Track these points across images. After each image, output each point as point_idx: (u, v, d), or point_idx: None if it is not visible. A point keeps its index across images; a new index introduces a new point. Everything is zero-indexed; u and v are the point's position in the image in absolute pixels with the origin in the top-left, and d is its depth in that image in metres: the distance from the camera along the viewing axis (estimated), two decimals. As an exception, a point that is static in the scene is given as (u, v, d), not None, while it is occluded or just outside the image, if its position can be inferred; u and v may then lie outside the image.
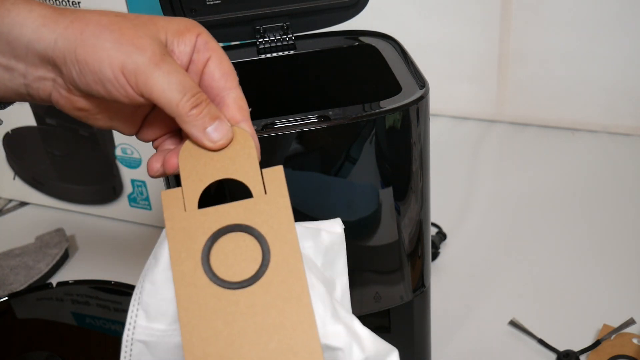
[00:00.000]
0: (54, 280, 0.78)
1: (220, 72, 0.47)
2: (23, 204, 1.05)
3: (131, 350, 0.45)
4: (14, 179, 1.03)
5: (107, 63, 0.43)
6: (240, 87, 0.48)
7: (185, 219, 0.44)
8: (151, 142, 0.51)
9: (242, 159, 0.45)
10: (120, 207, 0.98)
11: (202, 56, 0.47)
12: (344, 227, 0.50)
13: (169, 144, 0.50)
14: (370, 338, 0.46)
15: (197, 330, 0.42)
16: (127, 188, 0.95)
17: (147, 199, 0.95)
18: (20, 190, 1.03)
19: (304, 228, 0.48)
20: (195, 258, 0.43)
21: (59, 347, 0.68)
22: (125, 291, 0.74)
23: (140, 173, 0.93)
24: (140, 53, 0.43)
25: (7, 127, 0.98)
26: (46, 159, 0.98)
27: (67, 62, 0.44)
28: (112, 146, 0.92)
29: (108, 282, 0.75)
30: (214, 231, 0.44)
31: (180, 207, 0.44)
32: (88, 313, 0.73)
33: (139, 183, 0.94)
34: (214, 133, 0.45)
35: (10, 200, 1.06)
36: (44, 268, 0.90)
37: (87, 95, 0.46)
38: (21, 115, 0.96)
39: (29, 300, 0.75)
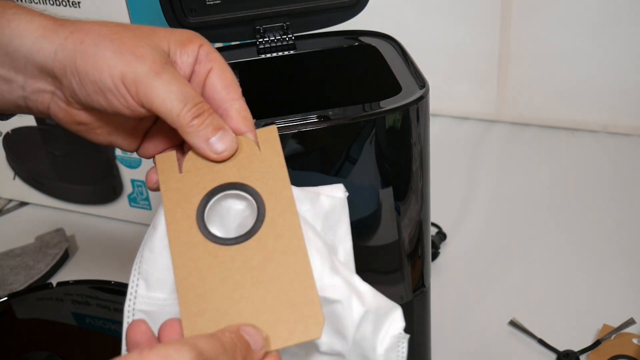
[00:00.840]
0: (54, 280, 0.78)
1: (223, 83, 0.46)
2: (23, 204, 1.05)
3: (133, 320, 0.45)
4: (14, 179, 1.03)
5: (107, 72, 0.43)
6: (243, 98, 0.47)
7: (180, 180, 0.44)
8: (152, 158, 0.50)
9: (248, 167, 0.45)
10: (120, 207, 0.98)
11: (204, 67, 0.46)
12: (347, 193, 0.49)
13: None
14: (371, 292, 0.45)
15: (193, 286, 0.41)
16: (127, 188, 0.95)
17: (147, 199, 0.95)
18: (20, 190, 1.03)
19: (302, 191, 0.47)
20: (190, 217, 0.43)
21: (59, 347, 0.68)
22: (125, 291, 0.73)
23: (140, 173, 0.93)
24: (140, 62, 0.43)
25: (7, 127, 0.98)
26: (46, 159, 0.98)
27: (67, 72, 0.44)
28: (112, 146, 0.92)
29: (108, 282, 0.75)
30: (209, 190, 0.43)
31: (175, 169, 0.44)
32: (88, 313, 0.73)
33: (139, 183, 0.94)
34: (218, 143, 0.44)
35: (10, 200, 1.06)
36: (44, 268, 0.90)
37: (87, 108, 0.46)
38: (21, 116, 0.95)
39: (29, 300, 0.75)
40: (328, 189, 0.49)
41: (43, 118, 0.94)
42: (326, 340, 0.44)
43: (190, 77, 0.46)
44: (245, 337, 0.38)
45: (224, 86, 0.46)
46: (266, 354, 0.39)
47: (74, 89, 0.44)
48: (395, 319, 0.45)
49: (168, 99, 0.43)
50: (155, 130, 0.49)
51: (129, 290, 0.45)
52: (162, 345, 0.35)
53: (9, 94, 0.47)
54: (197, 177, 0.44)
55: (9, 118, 0.51)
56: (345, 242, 0.49)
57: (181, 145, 0.49)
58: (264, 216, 0.43)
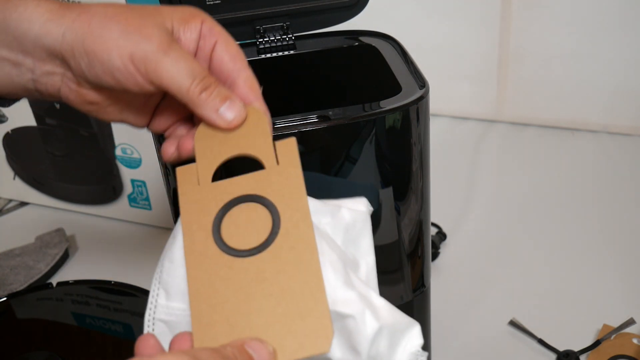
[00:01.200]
0: (54, 280, 0.78)
1: (229, 55, 0.47)
2: (23, 204, 1.05)
3: (153, 330, 0.44)
4: (14, 179, 1.03)
5: (115, 53, 0.44)
6: (250, 68, 0.48)
7: (199, 192, 0.45)
8: (154, 142, 0.51)
9: (256, 135, 0.45)
10: (120, 207, 0.98)
11: (208, 42, 0.47)
12: (371, 208, 0.49)
13: (181, 131, 0.50)
14: (386, 308, 0.44)
15: (206, 297, 0.41)
16: (127, 188, 0.95)
17: (147, 199, 0.95)
18: (20, 190, 1.03)
19: (323, 204, 0.47)
20: (206, 229, 0.43)
21: (59, 347, 0.68)
22: (125, 291, 0.74)
23: (140, 173, 0.93)
24: (148, 41, 0.44)
25: (7, 127, 0.98)
26: (46, 159, 0.98)
27: (75, 54, 0.45)
28: (112, 146, 0.92)
29: (108, 282, 0.75)
30: (226, 202, 0.44)
31: (194, 182, 0.45)
32: (88, 313, 0.73)
33: (139, 183, 0.94)
34: (227, 112, 0.45)
35: (10, 200, 1.06)
36: (44, 268, 0.90)
37: (97, 87, 0.46)
38: (21, 115, 0.96)
39: (29, 300, 0.75)
40: (350, 202, 0.48)
41: (43, 118, 0.95)
42: (340, 356, 0.43)
43: (196, 53, 0.47)
44: (249, 352, 0.39)
45: (230, 58, 0.47)
46: None
47: (82, 70, 0.45)
48: (413, 336, 0.44)
49: (177, 75, 0.44)
50: (164, 105, 0.50)
51: (150, 299, 0.45)
52: (162, 354, 0.35)
53: (19, 78, 0.47)
54: (215, 189, 0.44)
55: (12, 104, 0.52)
56: (367, 257, 0.48)
57: (190, 118, 0.50)
58: (278, 228, 0.43)
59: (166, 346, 0.41)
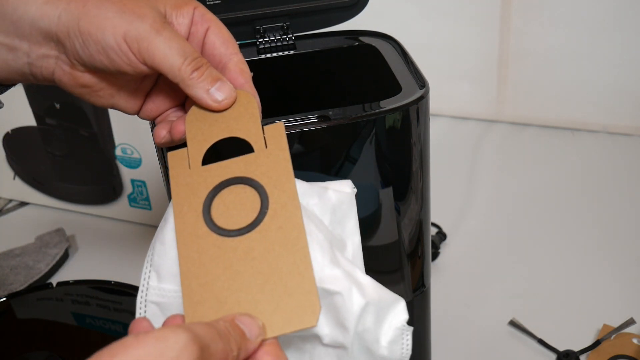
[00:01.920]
0: (54, 280, 0.78)
1: (221, 40, 0.49)
2: (23, 204, 1.05)
3: (145, 312, 0.45)
4: (14, 179, 1.03)
5: (110, 31, 0.45)
6: (241, 53, 0.49)
7: (189, 175, 0.46)
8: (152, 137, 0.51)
9: (245, 118, 0.47)
10: (120, 207, 0.98)
11: (200, 28, 0.48)
12: (355, 189, 0.50)
13: (172, 118, 0.51)
14: (372, 285, 0.45)
15: (196, 276, 0.42)
16: (127, 188, 0.95)
17: (147, 199, 0.95)
18: (20, 190, 1.03)
19: (310, 185, 0.48)
20: (196, 210, 0.44)
21: (59, 347, 0.68)
22: (125, 291, 0.74)
23: (140, 173, 0.93)
24: (141, 21, 0.45)
25: (7, 127, 0.98)
26: (46, 159, 0.98)
27: (70, 35, 0.46)
28: (112, 146, 0.92)
29: (108, 282, 0.75)
30: (215, 184, 0.45)
31: (185, 165, 0.46)
32: (88, 313, 0.73)
33: (139, 183, 0.94)
34: (217, 93, 0.46)
35: (10, 200, 1.06)
36: (44, 268, 0.90)
37: (91, 69, 0.47)
38: (21, 115, 0.96)
39: (29, 300, 0.75)
40: (336, 183, 0.50)
41: (43, 118, 0.95)
42: (328, 332, 0.45)
43: (188, 38, 0.48)
44: (240, 327, 0.39)
45: (222, 42, 0.49)
46: (263, 342, 0.40)
47: (77, 50, 0.46)
48: (398, 311, 0.45)
49: (169, 54, 0.45)
50: (156, 91, 0.51)
51: (142, 281, 0.45)
52: (159, 329, 0.36)
53: (14, 62, 0.48)
54: (205, 172, 0.46)
55: (6, 90, 0.52)
56: (353, 237, 0.50)
57: (182, 106, 0.51)
58: (267, 208, 0.44)
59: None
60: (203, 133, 0.47)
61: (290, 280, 0.41)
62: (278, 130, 0.46)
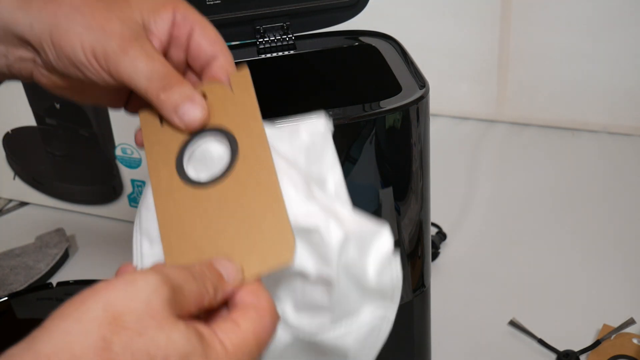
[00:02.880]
0: (54, 280, 0.78)
1: (207, 40, 0.47)
2: (23, 204, 1.05)
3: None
4: (14, 179, 1.03)
5: (79, 48, 0.44)
6: (229, 51, 0.47)
7: (161, 132, 0.46)
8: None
9: (221, 109, 0.46)
10: (120, 207, 0.98)
11: (183, 30, 0.46)
12: (332, 127, 0.48)
13: None
14: (352, 216, 0.43)
15: (174, 228, 0.43)
16: (127, 188, 0.95)
17: (147, 199, 0.95)
18: (20, 190, 1.03)
19: (279, 129, 0.47)
20: (170, 165, 0.45)
21: (59, 347, 0.68)
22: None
23: (140, 173, 0.93)
24: (109, 38, 0.43)
25: (7, 127, 0.98)
26: (46, 159, 0.98)
27: (43, 46, 0.45)
28: (112, 146, 0.92)
29: (108, 282, 0.75)
30: (187, 138, 0.45)
31: (156, 123, 0.46)
32: (88, 313, 0.73)
33: (139, 183, 0.94)
34: (186, 115, 0.45)
35: (10, 200, 1.06)
36: (44, 268, 0.90)
37: (68, 76, 0.46)
38: (21, 115, 0.96)
39: (29, 300, 0.75)
40: (308, 123, 0.48)
41: (43, 118, 0.95)
42: (314, 269, 0.43)
43: (170, 43, 0.47)
44: (218, 268, 0.39)
45: (209, 43, 0.47)
46: (244, 283, 0.40)
47: (51, 61, 0.45)
48: (382, 241, 0.43)
49: (134, 76, 0.44)
50: None
51: (134, 250, 0.45)
52: (129, 273, 0.36)
53: None
54: (176, 127, 0.46)
55: None
56: (334, 171, 0.47)
57: None
58: (236, 154, 0.44)
59: None
60: (176, 134, 0.46)
61: (263, 220, 0.42)
62: (244, 76, 0.46)
